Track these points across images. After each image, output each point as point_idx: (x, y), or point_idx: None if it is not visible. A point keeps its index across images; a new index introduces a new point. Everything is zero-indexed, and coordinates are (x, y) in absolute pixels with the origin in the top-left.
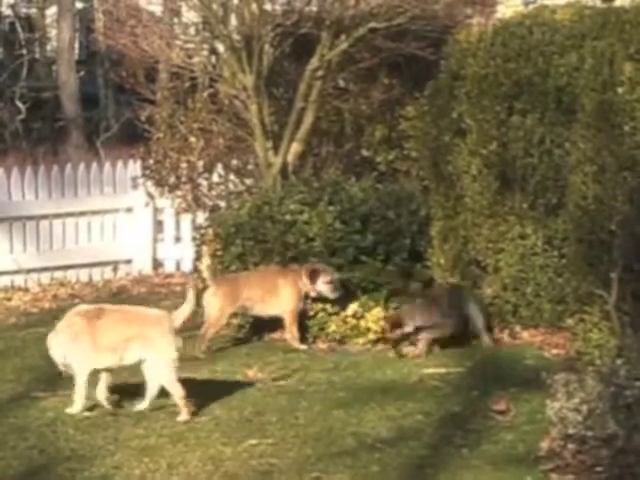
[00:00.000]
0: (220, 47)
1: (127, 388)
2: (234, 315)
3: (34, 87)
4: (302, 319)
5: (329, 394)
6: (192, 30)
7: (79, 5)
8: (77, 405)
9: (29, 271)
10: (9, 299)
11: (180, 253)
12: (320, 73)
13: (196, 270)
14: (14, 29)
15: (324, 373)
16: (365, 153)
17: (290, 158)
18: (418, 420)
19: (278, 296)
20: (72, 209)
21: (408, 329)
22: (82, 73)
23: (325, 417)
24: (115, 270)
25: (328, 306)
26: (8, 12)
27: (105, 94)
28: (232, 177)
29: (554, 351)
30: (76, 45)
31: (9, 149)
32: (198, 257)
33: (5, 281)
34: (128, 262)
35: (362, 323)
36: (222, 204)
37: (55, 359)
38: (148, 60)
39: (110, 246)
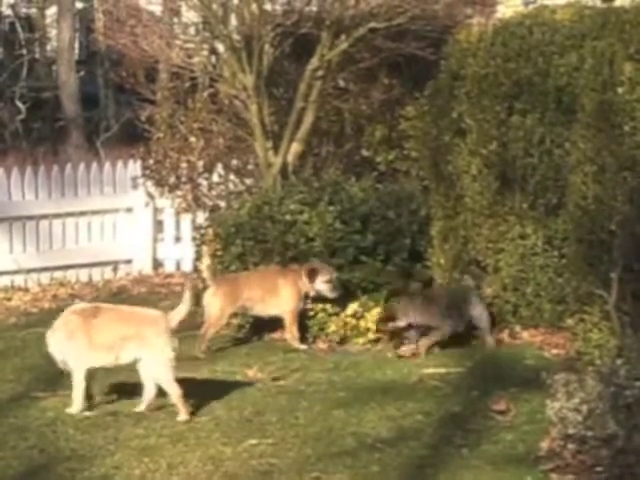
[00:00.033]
0: (220, 47)
1: (125, 388)
2: (234, 315)
3: (34, 87)
4: (302, 319)
5: (329, 394)
6: (192, 30)
7: (79, 5)
8: (76, 405)
9: (29, 271)
10: (9, 299)
11: (180, 253)
12: (320, 73)
13: (196, 270)
14: (14, 29)
15: (324, 373)
16: (365, 153)
17: (290, 158)
18: (418, 420)
19: (278, 296)
20: (72, 209)
21: (400, 323)
22: (82, 73)
23: (325, 417)
24: (115, 270)
25: (328, 306)
26: (8, 12)
27: (105, 94)
28: (232, 177)
29: (554, 351)
30: (76, 45)
31: (9, 149)
32: (198, 257)
33: (5, 281)
34: (128, 262)
35: (362, 323)
36: (222, 204)
37: (54, 356)
38: (148, 60)
39: (110, 246)
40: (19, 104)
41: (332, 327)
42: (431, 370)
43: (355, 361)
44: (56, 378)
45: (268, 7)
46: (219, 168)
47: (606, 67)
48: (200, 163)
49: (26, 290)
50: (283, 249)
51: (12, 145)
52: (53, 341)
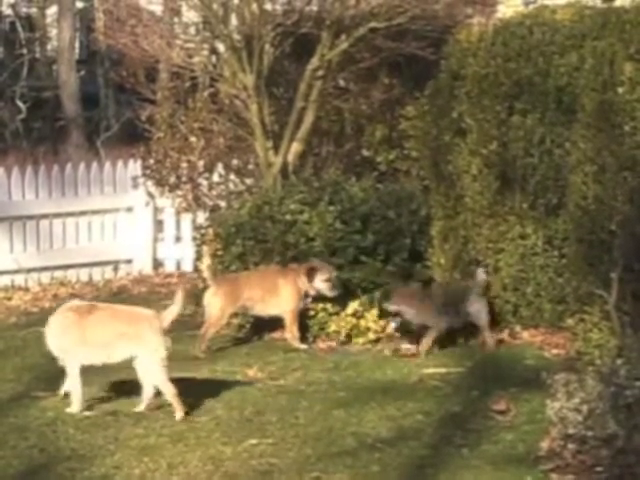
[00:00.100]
0: (220, 47)
1: (124, 387)
2: (234, 315)
3: (34, 87)
4: (302, 319)
5: (329, 394)
6: (192, 30)
7: (79, 5)
8: (76, 404)
9: (29, 271)
10: (9, 298)
11: (180, 253)
12: (320, 73)
13: (196, 270)
14: (14, 28)
15: (324, 373)
16: (365, 153)
17: (290, 158)
18: (418, 420)
19: (278, 296)
20: (72, 209)
21: (390, 307)
22: (82, 73)
23: (325, 417)
24: (115, 270)
25: (329, 306)
26: (8, 11)
27: (105, 94)
28: (232, 177)
29: (554, 351)
30: (76, 45)
31: (9, 149)
32: (198, 257)
33: (5, 280)
34: (128, 262)
35: (362, 323)
36: (222, 204)
37: (52, 351)
38: (148, 60)
39: (110, 246)
40: (19, 103)
41: (332, 327)
42: (431, 370)
43: (355, 361)
44: (56, 378)
45: (268, 7)
46: (219, 168)
47: (606, 67)
48: (200, 163)
49: (26, 290)
50: (283, 249)
51: (12, 145)
52: (49, 336)
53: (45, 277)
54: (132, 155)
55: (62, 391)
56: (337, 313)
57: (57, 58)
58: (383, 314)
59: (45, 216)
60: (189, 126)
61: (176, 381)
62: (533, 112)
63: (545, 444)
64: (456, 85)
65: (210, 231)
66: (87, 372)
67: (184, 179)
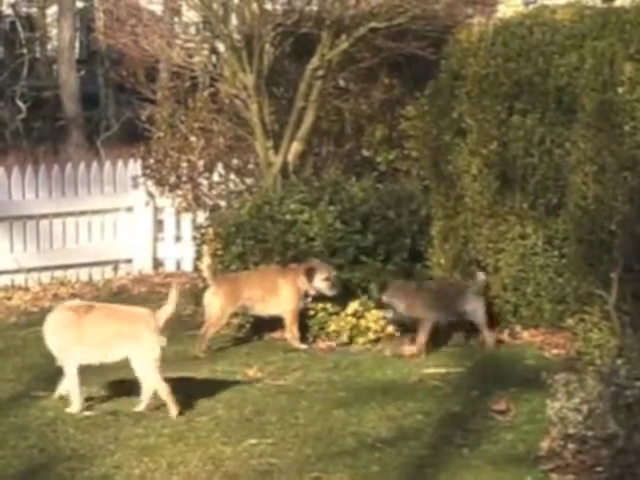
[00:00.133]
0: (221, 46)
1: (123, 387)
2: (234, 315)
3: (35, 86)
4: (302, 318)
5: (329, 394)
6: (192, 29)
7: (80, 4)
8: (75, 404)
9: (29, 270)
10: (9, 298)
11: (180, 253)
12: (320, 73)
13: (197, 270)
14: (15, 28)
15: (324, 373)
16: (365, 153)
17: (290, 157)
18: (418, 420)
19: (278, 296)
20: (72, 208)
21: (384, 299)
22: (82, 72)
23: (325, 417)
24: (115, 269)
25: (329, 306)
26: (9, 11)
27: (105, 93)
28: (232, 176)
29: (554, 351)
30: (76, 44)
31: (10, 148)
32: (198, 257)
33: (5, 280)
34: (128, 261)
35: (362, 323)
36: (222, 203)
37: (51, 350)
38: (148, 59)
39: (110, 245)
40: (20, 103)
41: (332, 327)
42: (431, 370)
43: (355, 361)
44: (56, 377)
45: (269, 7)
46: (219, 167)
47: (606, 67)
48: (200, 162)
49: (26, 289)
50: (283, 249)
51: (13, 144)
52: (47, 335)
53: (45, 277)
54: (132, 155)
55: (57, 393)
56: (337, 313)
57: (57, 58)
58: (379, 305)
59: (45, 216)
60: (189, 126)
61: (176, 381)
62: (533, 112)
63: (545, 444)
64: (456, 85)
65: (210, 231)
66: (86, 372)
67: (184, 179)
